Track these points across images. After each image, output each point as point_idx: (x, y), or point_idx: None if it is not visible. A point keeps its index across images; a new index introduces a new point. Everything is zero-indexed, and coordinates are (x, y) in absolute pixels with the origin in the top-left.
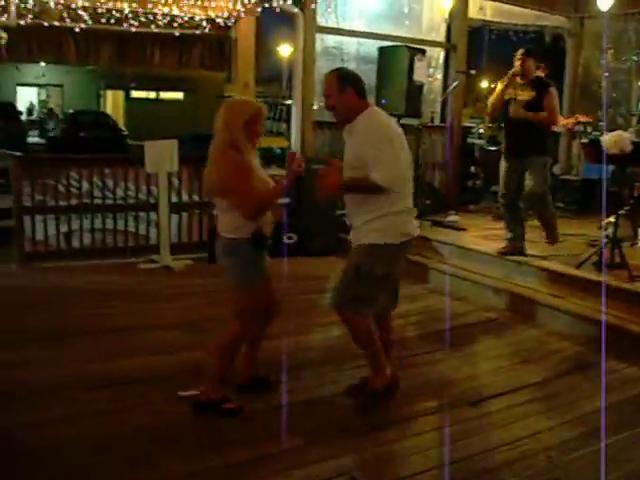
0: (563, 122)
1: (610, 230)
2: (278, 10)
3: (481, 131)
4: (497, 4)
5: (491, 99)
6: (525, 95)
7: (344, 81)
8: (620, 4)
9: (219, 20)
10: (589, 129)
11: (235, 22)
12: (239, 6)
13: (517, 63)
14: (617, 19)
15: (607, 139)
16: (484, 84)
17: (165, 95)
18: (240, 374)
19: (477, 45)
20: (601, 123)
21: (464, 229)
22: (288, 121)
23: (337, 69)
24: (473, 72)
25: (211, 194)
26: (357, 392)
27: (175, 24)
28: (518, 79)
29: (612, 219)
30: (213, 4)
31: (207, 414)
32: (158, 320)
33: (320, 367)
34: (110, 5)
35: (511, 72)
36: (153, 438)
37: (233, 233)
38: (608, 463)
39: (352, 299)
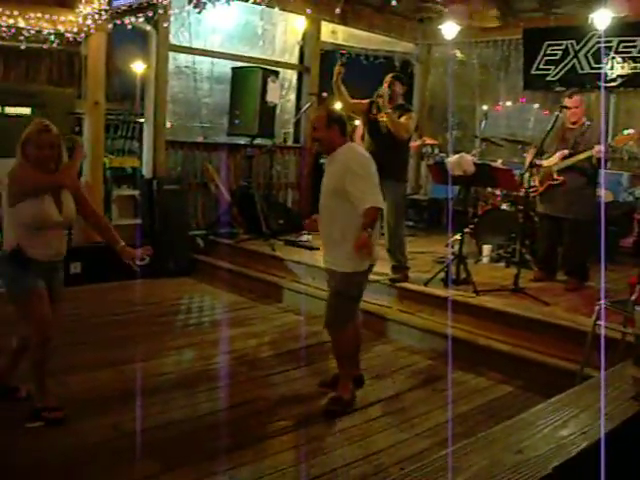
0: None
1: (456, 247)
2: (130, 27)
3: None
4: (349, 29)
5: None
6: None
7: (332, 119)
8: (464, 33)
9: (68, 35)
10: (436, 150)
11: (85, 38)
12: (89, 22)
13: (385, 86)
14: (462, 47)
15: (451, 161)
16: (339, 105)
17: (11, 110)
18: None
19: (329, 68)
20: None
21: (317, 248)
22: (141, 140)
23: (327, 109)
24: (325, 95)
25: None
26: (331, 385)
27: (21, 37)
28: (386, 103)
29: (458, 237)
30: (62, 18)
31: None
32: None
33: (174, 391)
34: None
35: (377, 94)
36: None
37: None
38: (453, 468)
39: (338, 317)
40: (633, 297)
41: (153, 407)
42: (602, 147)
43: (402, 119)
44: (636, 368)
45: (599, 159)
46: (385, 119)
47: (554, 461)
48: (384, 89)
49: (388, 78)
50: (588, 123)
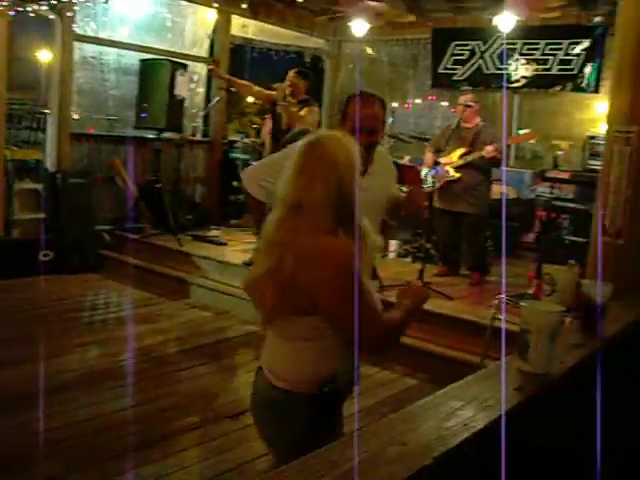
0: None
1: None
2: (33, 14)
3: (246, 143)
4: (260, 23)
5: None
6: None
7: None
8: (375, 31)
9: None
10: None
11: None
12: None
13: (288, 81)
14: (373, 44)
15: None
16: (250, 99)
17: None
18: None
19: (240, 62)
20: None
21: (225, 243)
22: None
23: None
24: (234, 89)
25: None
26: None
27: None
28: (289, 98)
29: None
30: None
31: None
32: None
33: (79, 390)
34: None
35: (276, 87)
36: None
37: None
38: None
39: None
40: (530, 291)
41: (57, 406)
42: (500, 146)
43: (301, 112)
44: (520, 360)
45: (494, 157)
46: (280, 110)
47: (435, 452)
48: (283, 84)
49: (291, 73)
50: (483, 123)
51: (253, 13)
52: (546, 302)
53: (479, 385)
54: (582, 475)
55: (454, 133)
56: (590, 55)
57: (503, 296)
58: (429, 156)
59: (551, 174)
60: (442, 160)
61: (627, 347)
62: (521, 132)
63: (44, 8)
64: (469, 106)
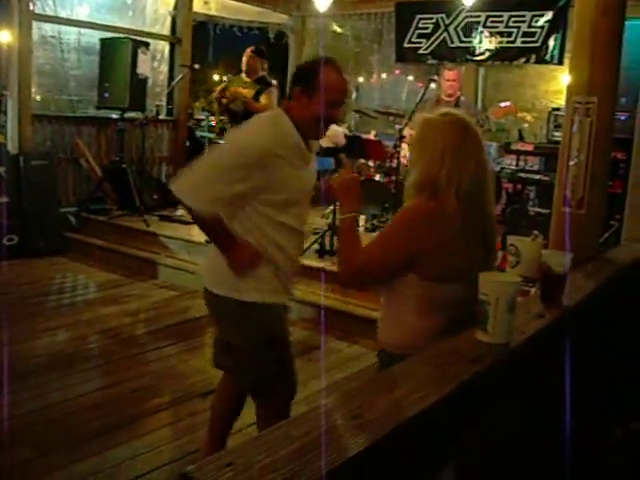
0: None
1: (330, 219)
2: None
3: (212, 124)
4: None
5: (215, 94)
6: (246, 92)
7: None
8: (338, 5)
9: None
10: None
11: None
12: None
13: (244, 60)
14: (336, 19)
15: None
16: (216, 77)
17: None
18: None
19: (203, 39)
20: None
21: (191, 223)
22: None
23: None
24: (197, 67)
25: None
26: None
27: None
28: (244, 76)
29: (332, 208)
30: None
31: None
32: None
33: (47, 374)
34: None
35: (227, 78)
36: None
37: None
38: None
39: None
40: (496, 263)
41: (25, 392)
42: (480, 119)
43: (262, 100)
44: (480, 332)
45: None
46: (237, 98)
47: (392, 424)
48: (243, 63)
49: (248, 52)
50: (462, 98)
51: None
52: (507, 273)
53: (436, 359)
54: (543, 446)
55: (433, 106)
56: (553, 27)
57: None
58: (408, 130)
59: (516, 146)
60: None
61: (587, 316)
62: (502, 105)
63: None
64: (454, 80)
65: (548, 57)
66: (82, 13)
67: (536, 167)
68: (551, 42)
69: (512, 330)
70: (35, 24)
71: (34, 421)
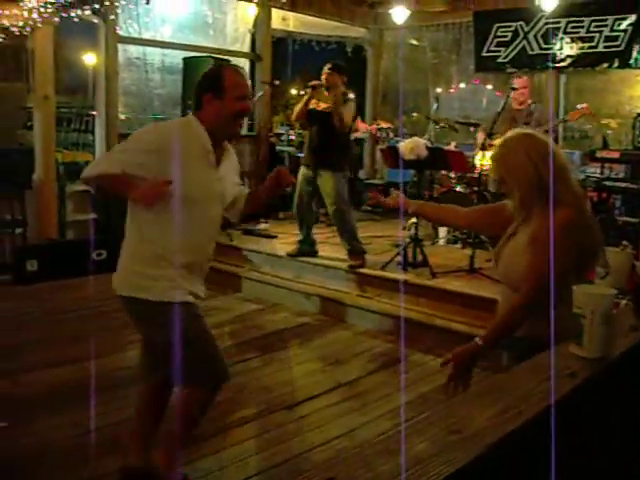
0: (365, 127)
1: (412, 230)
2: (77, 20)
3: (291, 138)
4: (300, 15)
5: (296, 107)
6: (325, 105)
7: None
8: (415, 17)
9: (14, 29)
10: (391, 134)
11: (32, 31)
12: (35, 15)
13: (323, 77)
14: (414, 31)
15: (404, 145)
16: (294, 91)
17: None
18: None
19: (282, 55)
20: (403, 129)
21: (275, 236)
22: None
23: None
24: (277, 83)
25: None
26: None
27: None
28: (325, 91)
29: (414, 220)
30: (7, 12)
31: None
32: None
33: (133, 386)
34: None
35: (311, 83)
36: None
37: None
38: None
39: None
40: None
41: (113, 403)
42: (550, 126)
43: (345, 112)
44: (575, 346)
45: None
46: (323, 107)
47: (487, 439)
48: (322, 80)
49: (326, 69)
50: (533, 104)
51: (292, 5)
52: (599, 285)
53: (532, 372)
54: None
55: (505, 115)
56: (637, 30)
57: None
58: (480, 136)
59: (601, 154)
60: (495, 143)
61: None
62: (578, 107)
63: (88, 13)
64: (524, 87)
65: (632, 61)
66: (165, 34)
67: (622, 175)
68: (635, 46)
69: (609, 344)
70: (120, 46)
71: (121, 432)
